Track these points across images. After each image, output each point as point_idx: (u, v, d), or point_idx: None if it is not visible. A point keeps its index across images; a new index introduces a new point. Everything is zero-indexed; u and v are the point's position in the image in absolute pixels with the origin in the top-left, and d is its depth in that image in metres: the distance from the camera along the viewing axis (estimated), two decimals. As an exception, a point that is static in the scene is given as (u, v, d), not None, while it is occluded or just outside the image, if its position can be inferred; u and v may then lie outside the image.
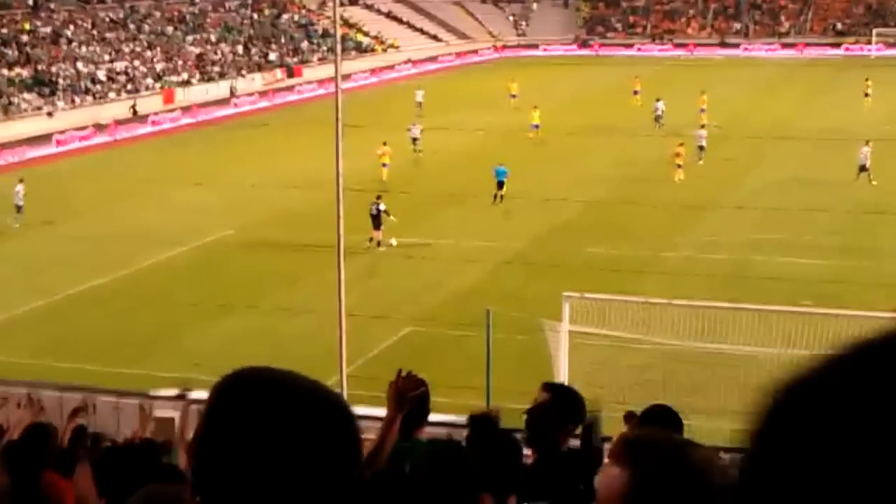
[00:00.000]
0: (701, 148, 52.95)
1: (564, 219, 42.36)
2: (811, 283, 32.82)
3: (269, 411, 1.84)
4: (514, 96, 73.45)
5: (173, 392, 21.16)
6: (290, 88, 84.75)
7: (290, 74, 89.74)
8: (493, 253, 37.83)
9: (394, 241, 38.58)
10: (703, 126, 56.55)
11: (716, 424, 18.64)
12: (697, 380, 22.95)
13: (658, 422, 7.64)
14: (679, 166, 48.96)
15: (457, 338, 28.14)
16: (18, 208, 43.70)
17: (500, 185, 45.31)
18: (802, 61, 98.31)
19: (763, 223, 40.89)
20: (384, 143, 50.17)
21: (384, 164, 49.54)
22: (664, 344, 24.11)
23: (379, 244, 38.34)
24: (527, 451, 7.17)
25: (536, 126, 60.85)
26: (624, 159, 53.60)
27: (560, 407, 6.42)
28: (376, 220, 38.59)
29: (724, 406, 20.28)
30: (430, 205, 44.74)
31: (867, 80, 72.62)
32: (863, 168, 47.28)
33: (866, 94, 71.17)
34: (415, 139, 56.87)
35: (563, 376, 23.39)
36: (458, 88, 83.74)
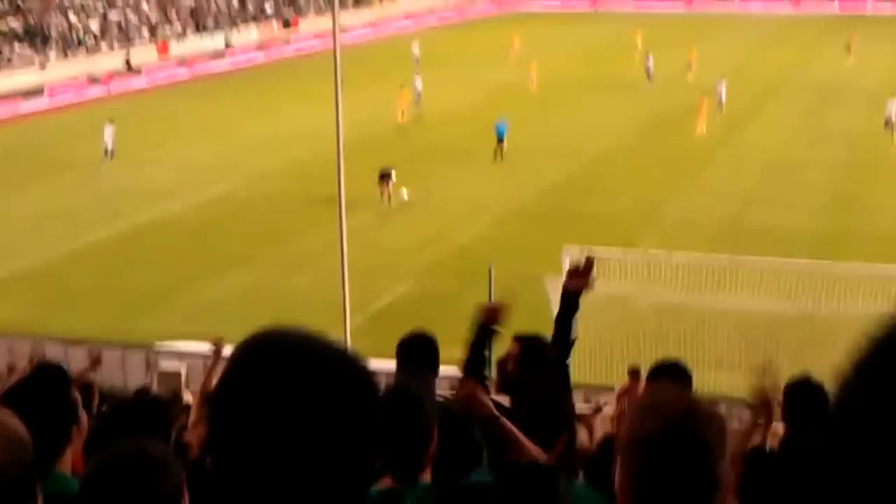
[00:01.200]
0: (721, 101, 54.02)
1: (565, 174, 42.82)
2: (807, 236, 33.46)
3: (291, 377, 1.82)
4: (514, 50, 73.73)
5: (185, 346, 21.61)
6: (286, 42, 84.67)
7: (287, 26, 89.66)
8: (494, 208, 38.34)
9: (405, 195, 38.96)
10: (722, 77, 57.14)
11: (712, 376, 19.33)
12: (695, 332, 23.54)
13: (668, 376, 7.96)
14: (703, 119, 50.04)
15: (459, 292, 28.66)
16: (107, 151, 45.38)
17: (501, 139, 45.73)
18: (799, 17, 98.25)
19: (761, 178, 41.48)
20: (402, 87, 52.62)
21: (403, 111, 52.54)
22: (664, 297, 24.60)
23: (390, 198, 38.76)
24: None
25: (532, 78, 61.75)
26: (623, 115, 54.04)
27: (528, 357, 6.57)
28: (385, 178, 38.95)
29: (721, 358, 20.91)
30: (431, 159, 45.17)
31: (850, 36, 73.35)
32: (887, 122, 47.93)
33: (848, 50, 71.72)
34: (418, 93, 57.40)
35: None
36: (457, 42, 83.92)
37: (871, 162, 43.93)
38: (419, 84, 58.09)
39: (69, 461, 4.62)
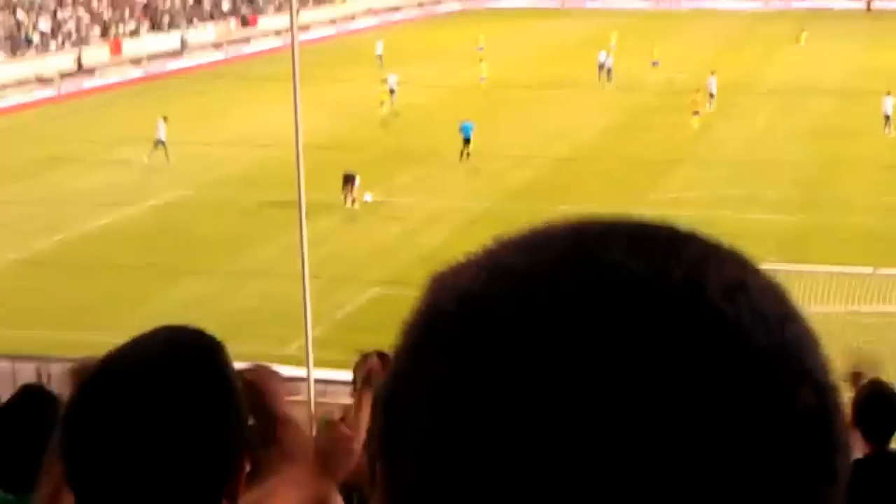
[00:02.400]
0: (711, 95, 54.60)
1: (533, 175, 42.59)
2: (776, 238, 33.38)
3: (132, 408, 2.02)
4: (480, 48, 73.55)
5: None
6: (245, 40, 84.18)
7: (245, 24, 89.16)
8: (460, 211, 37.99)
9: (369, 198, 38.68)
10: (713, 73, 57.63)
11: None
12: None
13: None
14: (696, 113, 50.56)
15: (424, 300, 28.34)
16: (158, 143, 45.85)
17: (467, 141, 45.46)
18: (768, 12, 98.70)
19: (730, 177, 41.40)
20: (383, 81, 54.59)
21: (382, 102, 54.37)
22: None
23: (354, 202, 38.44)
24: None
25: (484, 78, 62.18)
26: (591, 114, 53.87)
27: None
28: (349, 181, 38.66)
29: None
30: (396, 161, 44.80)
31: (802, 31, 74.07)
32: (887, 118, 48.22)
33: (799, 42, 72.35)
34: (392, 90, 57.31)
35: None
36: (421, 40, 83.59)
37: (843, 160, 44.02)
38: (393, 81, 57.89)
39: None
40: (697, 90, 52.63)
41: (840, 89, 58.46)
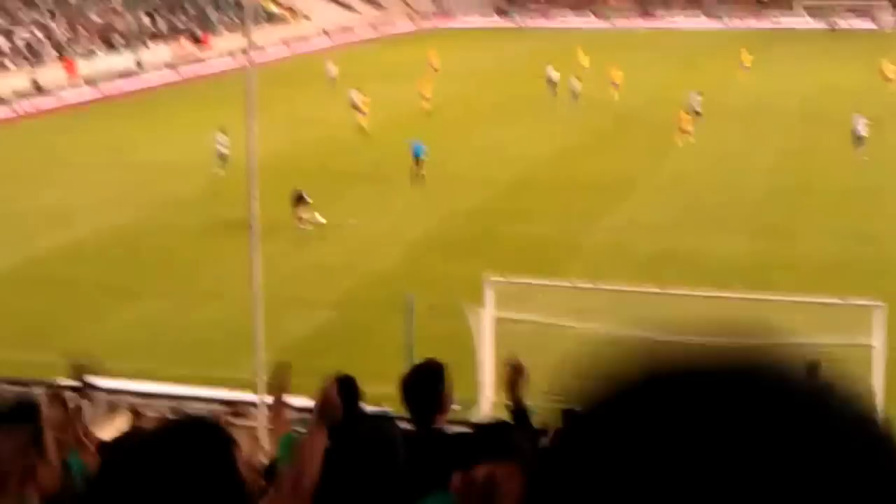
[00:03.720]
0: (697, 113, 55.57)
1: (486, 197, 42.60)
2: (740, 265, 33.43)
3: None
4: (435, 70, 73.74)
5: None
6: (199, 61, 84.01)
7: (198, 43, 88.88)
8: (413, 233, 37.98)
9: (321, 218, 38.61)
10: (700, 93, 58.83)
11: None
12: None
13: None
14: (684, 131, 51.47)
15: (378, 322, 28.26)
16: (223, 157, 46.03)
17: (419, 161, 45.54)
18: (727, 33, 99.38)
19: (690, 202, 41.51)
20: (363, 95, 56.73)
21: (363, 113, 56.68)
22: (593, 329, 24.33)
23: (301, 220, 38.38)
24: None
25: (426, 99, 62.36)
26: (545, 137, 53.98)
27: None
28: (298, 201, 38.64)
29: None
30: (347, 182, 44.71)
31: (744, 52, 75.49)
32: (859, 139, 48.42)
33: (744, 67, 73.27)
34: (355, 106, 57.83)
35: (488, 364, 23.54)
36: (374, 61, 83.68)
37: (802, 185, 44.08)
38: (356, 97, 58.57)
39: None
40: (685, 111, 53.55)
41: (801, 112, 58.78)
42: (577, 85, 64.53)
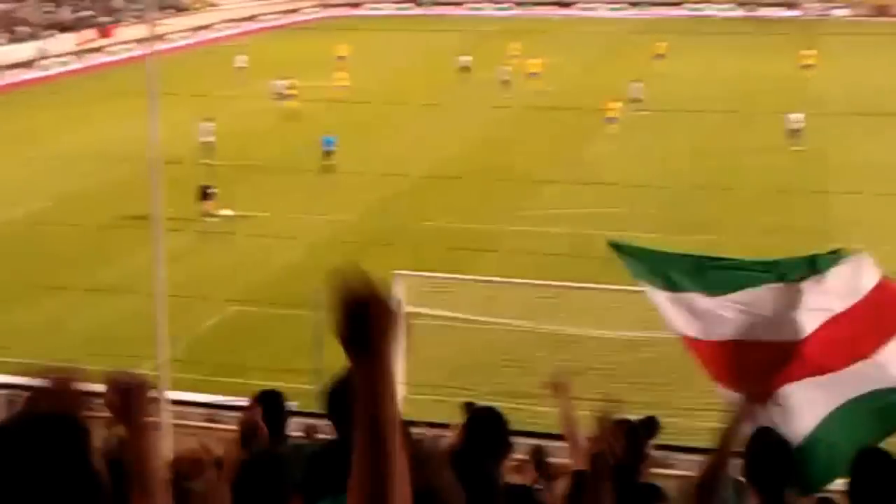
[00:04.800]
0: (637, 101, 57.35)
1: (396, 191, 42.36)
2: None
3: None
4: (345, 59, 73.35)
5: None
6: (102, 50, 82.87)
7: (104, 34, 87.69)
8: (321, 227, 37.63)
9: (227, 212, 38.19)
10: (638, 80, 60.06)
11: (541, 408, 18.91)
12: (536, 363, 23.19)
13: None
14: (610, 120, 52.53)
15: (285, 318, 27.95)
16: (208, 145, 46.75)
17: (328, 154, 45.20)
18: (644, 21, 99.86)
19: (605, 196, 41.57)
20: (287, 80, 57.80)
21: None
22: (506, 325, 24.26)
23: (207, 213, 37.93)
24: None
25: (344, 87, 62.85)
26: (456, 130, 53.83)
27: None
28: (204, 194, 38.22)
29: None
30: (255, 176, 44.27)
31: (661, 43, 76.61)
32: (793, 132, 49.07)
33: (660, 55, 74.33)
34: (281, 94, 58.60)
35: (398, 362, 23.35)
36: (282, 50, 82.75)
37: (722, 178, 44.26)
38: (279, 86, 59.64)
39: None
40: (613, 98, 54.06)
41: (721, 102, 59.11)
42: (504, 74, 64.97)
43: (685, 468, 13.11)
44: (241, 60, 72.04)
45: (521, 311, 24.13)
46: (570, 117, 55.64)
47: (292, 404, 19.60)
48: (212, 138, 46.96)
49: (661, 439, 12.21)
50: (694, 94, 61.66)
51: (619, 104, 54.59)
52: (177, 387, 18.49)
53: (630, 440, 7.31)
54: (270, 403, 7.93)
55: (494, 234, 37.05)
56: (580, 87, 64.38)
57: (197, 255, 34.33)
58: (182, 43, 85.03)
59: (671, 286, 9.38)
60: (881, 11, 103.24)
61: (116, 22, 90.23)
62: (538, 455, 12.45)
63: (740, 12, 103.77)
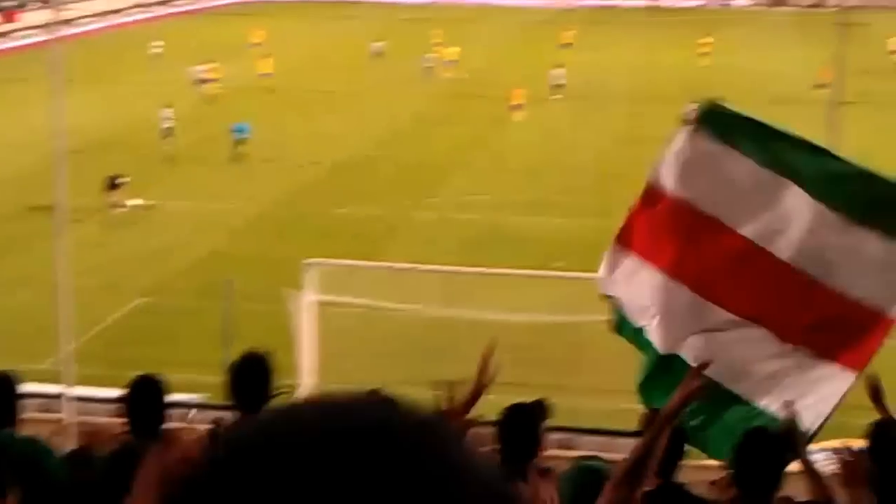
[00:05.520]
0: (559, 87, 58.03)
1: (308, 179, 42.15)
2: (565, 244, 33.64)
3: None
4: (257, 45, 72.80)
5: None
6: (6, 35, 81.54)
7: (8, 19, 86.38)
8: (232, 216, 37.29)
9: (135, 202, 37.72)
10: (560, 65, 60.34)
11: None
12: (448, 349, 23.18)
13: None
14: (515, 107, 52.75)
15: (196, 309, 27.67)
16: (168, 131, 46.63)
17: (240, 142, 44.85)
18: (553, 13, 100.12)
19: (515, 182, 41.73)
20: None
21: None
22: (416, 312, 24.22)
23: (115, 204, 37.44)
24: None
25: (268, 75, 62.05)
26: (367, 117, 53.58)
27: None
28: (112, 184, 37.72)
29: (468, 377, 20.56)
30: (164, 165, 43.80)
31: (569, 29, 77.11)
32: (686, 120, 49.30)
33: (568, 44, 74.60)
34: (200, 80, 58.52)
35: (307, 349, 23.22)
36: (193, 35, 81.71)
37: (629, 165, 44.41)
38: (198, 71, 59.60)
39: None
40: (518, 87, 54.12)
41: (627, 90, 59.63)
42: (428, 62, 65.43)
43: (589, 449, 13.18)
44: (156, 45, 71.04)
45: (433, 297, 24.12)
46: (481, 105, 55.72)
47: (194, 397, 19.51)
48: (171, 124, 46.77)
49: (563, 421, 12.12)
50: (602, 81, 61.94)
51: (524, 91, 54.56)
52: (82, 382, 18.20)
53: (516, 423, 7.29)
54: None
55: (406, 221, 37.01)
56: (492, 75, 64.35)
57: (103, 246, 33.86)
58: (91, 27, 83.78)
59: (769, 160, 7.91)
60: (778, 2, 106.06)
61: (21, 6, 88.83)
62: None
63: (644, 1, 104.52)
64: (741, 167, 7.91)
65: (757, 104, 51.23)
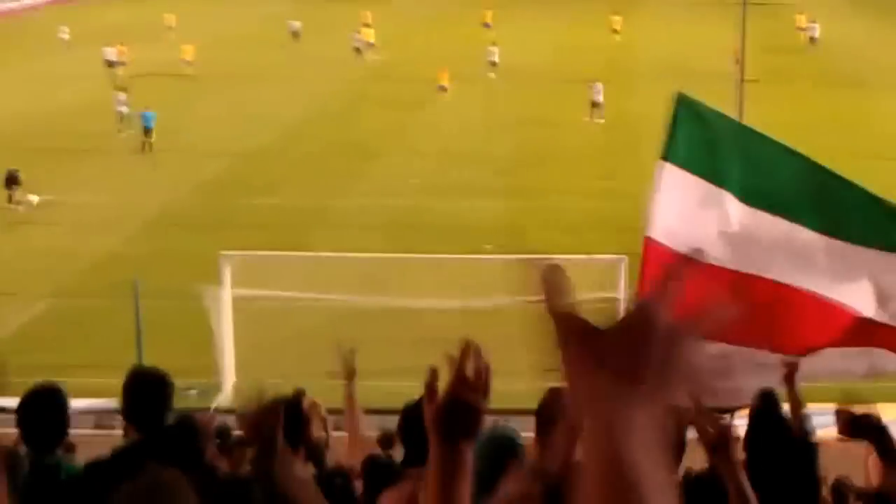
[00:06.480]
0: (493, 64, 58.93)
1: (225, 168, 41.33)
2: (492, 227, 33.31)
3: None
4: (170, 28, 71.58)
5: None
6: None
7: None
8: (140, 210, 36.23)
9: (34, 199, 36.59)
10: (494, 43, 60.84)
11: (397, 383, 18.25)
12: (373, 337, 22.58)
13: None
14: (442, 89, 53.13)
15: (104, 310, 26.70)
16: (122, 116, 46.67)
17: (148, 131, 43.82)
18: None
19: (436, 167, 41.26)
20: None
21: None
22: (337, 301, 23.73)
23: (18, 203, 36.29)
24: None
25: (188, 63, 60.59)
26: (283, 105, 52.67)
27: None
28: (11, 182, 36.56)
29: (400, 365, 19.96)
30: (66, 158, 42.49)
31: (488, 11, 76.54)
32: (595, 105, 49.69)
33: (487, 24, 74.45)
34: (111, 62, 58.32)
35: (227, 345, 22.59)
36: (101, 19, 79.96)
37: (548, 147, 44.39)
38: (108, 53, 59.72)
39: None
40: (443, 69, 54.15)
41: (543, 71, 59.46)
42: (357, 42, 65.59)
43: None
44: (61, 32, 69.33)
45: (354, 286, 23.70)
46: (403, 88, 55.26)
47: (110, 402, 18.61)
48: (126, 108, 46.80)
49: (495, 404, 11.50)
50: (525, 62, 61.66)
51: (447, 73, 54.27)
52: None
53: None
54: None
55: (331, 208, 36.37)
56: (414, 55, 63.90)
57: (2, 246, 32.73)
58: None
59: (712, 174, 8.29)
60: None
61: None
62: (387, 434, 11.83)
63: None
64: (727, 209, 8.16)
65: (675, 81, 51.63)
